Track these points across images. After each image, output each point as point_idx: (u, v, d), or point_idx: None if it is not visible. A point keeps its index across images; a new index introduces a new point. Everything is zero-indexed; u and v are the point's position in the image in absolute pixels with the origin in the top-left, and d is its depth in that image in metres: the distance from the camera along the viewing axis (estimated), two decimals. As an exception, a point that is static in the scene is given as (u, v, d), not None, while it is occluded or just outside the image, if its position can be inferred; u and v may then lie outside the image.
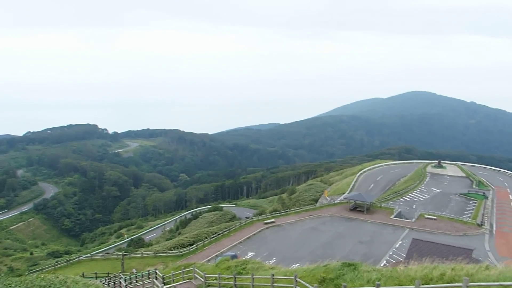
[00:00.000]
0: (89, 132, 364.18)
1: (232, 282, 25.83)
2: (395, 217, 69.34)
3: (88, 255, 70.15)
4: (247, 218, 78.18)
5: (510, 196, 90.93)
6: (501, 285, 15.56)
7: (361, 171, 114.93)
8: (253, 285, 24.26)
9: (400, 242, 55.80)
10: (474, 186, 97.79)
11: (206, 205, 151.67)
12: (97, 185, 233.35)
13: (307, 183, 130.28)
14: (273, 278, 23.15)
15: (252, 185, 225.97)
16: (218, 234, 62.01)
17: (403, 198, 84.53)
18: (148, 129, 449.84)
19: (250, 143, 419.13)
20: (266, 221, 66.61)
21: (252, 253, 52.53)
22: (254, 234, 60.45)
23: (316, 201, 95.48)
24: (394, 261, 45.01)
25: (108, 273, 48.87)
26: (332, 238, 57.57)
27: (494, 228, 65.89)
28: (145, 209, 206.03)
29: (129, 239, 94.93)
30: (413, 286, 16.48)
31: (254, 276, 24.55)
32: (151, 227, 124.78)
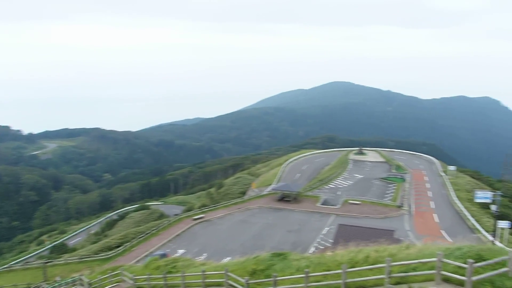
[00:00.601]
0: (0, 134, 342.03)
1: (163, 282, 25.30)
2: (321, 204, 71.32)
3: (6, 266, 65.78)
4: (176, 215, 77.07)
5: (425, 177, 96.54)
6: (420, 262, 16.40)
7: (287, 162, 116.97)
8: (184, 283, 23.91)
9: (327, 229, 57.49)
10: (393, 170, 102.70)
11: (133, 205, 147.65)
12: (13, 191, 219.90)
13: (234, 177, 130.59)
14: (204, 274, 22.95)
15: (180, 182, 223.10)
16: (146, 234, 60.65)
17: (328, 186, 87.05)
18: (67, 128, 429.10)
19: (175, 139, 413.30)
20: (195, 217, 66.09)
21: (182, 250, 51.91)
22: (183, 231, 59.79)
23: (245, 193, 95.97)
24: (322, 247, 46.26)
25: (29, 284, 46.25)
26: (261, 229, 58.21)
27: (413, 209, 69.74)
28: (67, 213, 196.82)
29: (51, 245, 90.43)
30: (341, 271, 16.95)
31: (184, 274, 24.21)
32: (75, 231, 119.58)
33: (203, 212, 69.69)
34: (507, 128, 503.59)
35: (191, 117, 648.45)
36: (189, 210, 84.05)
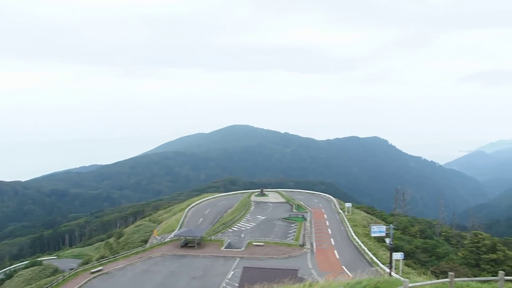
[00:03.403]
0: None
1: None
2: (225, 248, 70.66)
3: None
4: (71, 269, 71.90)
5: (324, 215, 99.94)
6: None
7: (190, 207, 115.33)
8: None
9: (232, 272, 56.82)
10: (294, 210, 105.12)
11: (22, 261, 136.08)
12: None
13: (135, 224, 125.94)
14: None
15: (76, 233, 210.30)
16: (38, 292, 55.78)
17: (232, 229, 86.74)
18: None
19: (70, 188, 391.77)
20: (92, 270, 62.02)
21: (79, 307, 48.26)
22: (80, 287, 55.81)
23: (146, 241, 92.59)
24: (228, 292, 45.55)
25: None
26: (165, 278, 56.09)
27: (314, 247, 71.50)
28: None
29: None
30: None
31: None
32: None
33: (101, 264, 65.69)
34: (395, 165, 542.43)
35: (87, 164, 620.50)
36: (86, 263, 79.18)
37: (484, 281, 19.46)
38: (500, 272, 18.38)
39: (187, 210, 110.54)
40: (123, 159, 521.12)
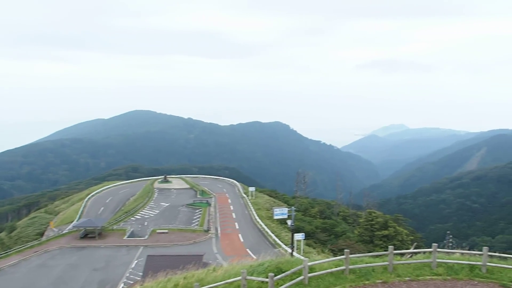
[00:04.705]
0: None
1: None
2: (128, 237, 69.02)
3: None
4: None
5: (229, 200, 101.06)
6: (226, 282, 16.87)
7: (89, 196, 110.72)
8: None
9: (136, 262, 55.68)
10: (198, 196, 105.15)
11: None
12: None
13: (29, 217, 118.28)
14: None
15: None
16: None
17: (135, 217, 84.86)
18: None
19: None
20: (-19, 268, 57.62)
21: (-34, 308, 44.64)
22: (-33, 286, 51.54)
23: (42, 234, 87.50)
24: (132, 282, 44.60)
25: None
26: (63, 272, 53.52)
27: (219, 231, 72.21)
28: None
29: None
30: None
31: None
32: None
33: (-9, 261, 61.17)
34: (296, 150, 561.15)
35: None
36: (-27, 261, 73.07)
37: (376, 256, 20.82)
38: (390, 246, 19.80)
39: (86, 199, 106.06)
40: (13, 147, 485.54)
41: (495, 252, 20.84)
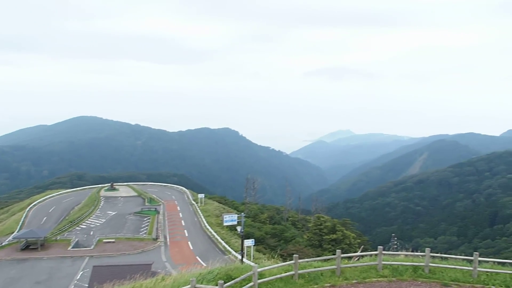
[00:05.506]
0: None
1: None
2: (73, 247, 66.79)
3: None
4: None
5: (178, 207, 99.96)
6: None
7: (31, 205, 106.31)
8: None
9: (81, 273, 53.94)
10: (146, 203, 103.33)
11: None
12: None
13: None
14: None
15: None
16: None
17: (80, 227, 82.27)
18: None
19: None
20: None
21: None
22: None
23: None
24: (76, 294, 43.17)
25: None
26: (3, 286, 51.04)
27: (168, 239, 71.20)
28: None
29: None
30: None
31: None
32: None
33: None
34: (245, 156, 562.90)
35: None
36: None
37: (325, 260, 21.15)
38: (337, 250, 20.18)
39: (28, 209, 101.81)
40: None
41: (437, 253, 21.65)
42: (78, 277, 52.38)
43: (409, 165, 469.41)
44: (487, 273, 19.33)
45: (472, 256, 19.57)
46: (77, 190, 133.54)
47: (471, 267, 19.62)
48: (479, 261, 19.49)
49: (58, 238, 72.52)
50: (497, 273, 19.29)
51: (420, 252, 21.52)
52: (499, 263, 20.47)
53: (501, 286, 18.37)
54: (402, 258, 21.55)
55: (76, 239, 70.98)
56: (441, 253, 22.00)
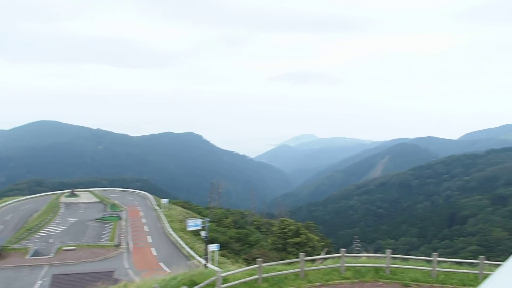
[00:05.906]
0: None
1: None
2: (31, 256, 64.76)
3: None
4: None
5: (140, 213, 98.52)
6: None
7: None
8: None
9: (40, 282, 52.36)
10: (108, 210, 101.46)
11: None
12: None
13: None
14: None
15: None
16: None
17: (39, 234, 79.92)
18: None
19: None
20: None
21: None
22: None
23: None
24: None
25: None
26: (-44, 297, 49.12)
27: (131, 246, 70.02)
28: None
29: None
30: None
31: None
32: None
33: None
34: (209, 160, 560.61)
35: None
36: None
37: (289, 263, 21.29)
38: (301, 253, 20.34)
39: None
40: None
41: (398, 254, 22.15)
42: (37, 287, 50.86)
43: (371, 168, 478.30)
44: (445, 273, 19.91)
45: (431, 257, 20.12)
46: (36, 196, 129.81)
47: (430, 267, 20.16)
48: (438, 261, 20.05)
49: (15, 246, 70.20)
50: (454, 273, 19.89)
51: (382, 253, 21.93)
52: (456, 263, 21.13)
53: (458, 285, 18.94)
54: (364, 260, 21.92)
55: (35, 247, 68.90)
56: (402, 254, 22.52)
